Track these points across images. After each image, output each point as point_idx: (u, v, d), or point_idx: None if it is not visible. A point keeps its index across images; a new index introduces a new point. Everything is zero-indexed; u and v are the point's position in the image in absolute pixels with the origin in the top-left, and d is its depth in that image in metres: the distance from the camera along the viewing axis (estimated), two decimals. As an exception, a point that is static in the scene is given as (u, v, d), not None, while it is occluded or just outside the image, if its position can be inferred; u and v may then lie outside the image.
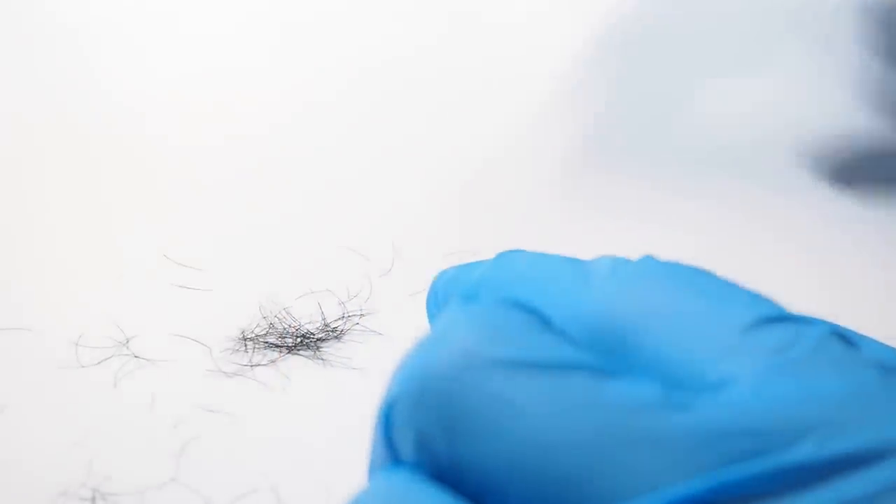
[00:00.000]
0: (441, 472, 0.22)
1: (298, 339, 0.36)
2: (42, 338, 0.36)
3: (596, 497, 0.19)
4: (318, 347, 0.36)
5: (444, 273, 0.32)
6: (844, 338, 0.21)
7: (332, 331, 0.36)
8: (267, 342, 0.36)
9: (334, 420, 0.34)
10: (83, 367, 0.36)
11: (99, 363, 0.36)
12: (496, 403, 0.21)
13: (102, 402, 0.34)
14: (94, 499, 0.32)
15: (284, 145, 0.45)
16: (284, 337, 0.36)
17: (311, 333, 0.36)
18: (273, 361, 0.36)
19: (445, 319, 0.23)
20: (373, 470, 0.25)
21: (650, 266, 0.24)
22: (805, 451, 0.19)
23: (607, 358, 0.22)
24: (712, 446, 0.19)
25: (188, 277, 0.39)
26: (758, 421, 0.19)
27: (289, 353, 0.36)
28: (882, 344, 0.22)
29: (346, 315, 0.37)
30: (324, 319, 0.37)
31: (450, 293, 0.30)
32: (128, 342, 0.36)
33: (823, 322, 0.22)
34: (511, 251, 0.29)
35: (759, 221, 0.40)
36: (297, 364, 0.36)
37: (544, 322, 0.22)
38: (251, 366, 0.36)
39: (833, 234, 0.40)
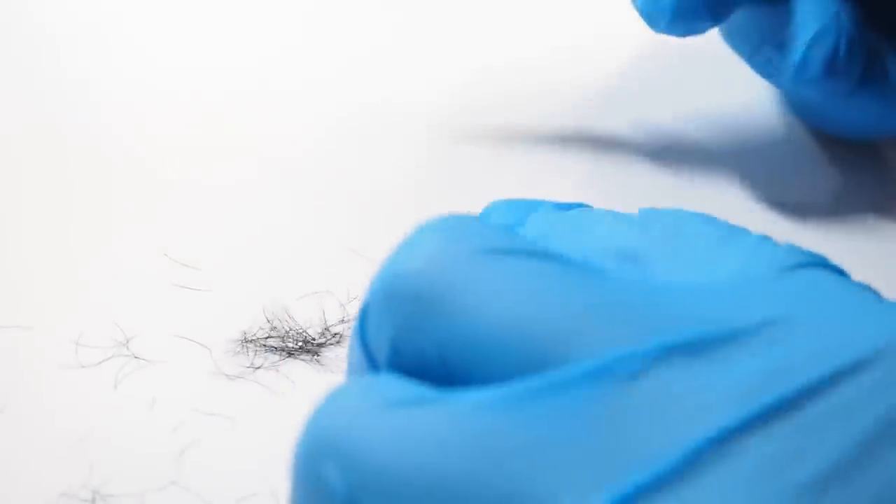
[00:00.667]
0: (417, 368, 0.23)
1: (299, 344, 0.36)
2: (42, 338, 0.36)
3: (567, 359, 0.21)
4: (317, 352, 0.36)
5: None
6: (834, 269, 0.23)
7: (334, 335, 0.36)
8: (267, 345, 0.36)
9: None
10: (83, 367, 0.36)
11: (99, 364, 0.36)
12: (473, 284, 0.22)
13: (102, 404, 0.35)
14: (93, 500, 0.32)
15: (286, 145, 0.44)
16: (286, 340, 0.36)
17: (312, 338, 0.36)
18: (274, 364, 0.36)
19: (413, 231, 0.24)
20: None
21: (646, 212, 0.26)
22: (752, 328, 0.21)
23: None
24: (664, 316, 0.21)
25: (188, 277, 0.39)
26: (719, 302, 0.21)
27: (289, 356, 0.36)
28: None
29: (345, 319, 0.37)
30: (325, 323, 0.37)
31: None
32: (128, 342, 0.36)
33: (817, 254, 0.23)
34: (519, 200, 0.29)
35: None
36: (299, 367, 0.36)
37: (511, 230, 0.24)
38: (252, 368, 0.36)
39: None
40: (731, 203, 0.41)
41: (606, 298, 0.22)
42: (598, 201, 0.41)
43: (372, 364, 0.24)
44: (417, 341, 0.22)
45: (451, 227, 0.24)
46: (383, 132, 0.45)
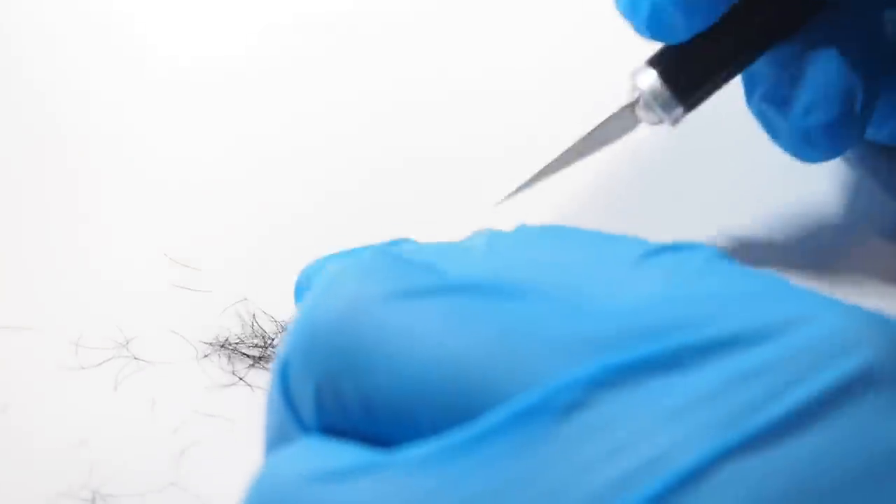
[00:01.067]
0: (345, 425, 0.22)
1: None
2: (42, 339, 0.36)
3: (501, 397, 0.20)
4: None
5: (316, 262, 0.31)
6: (727, 258, 0.23)
7: None
8: (265, 346, 0.36)
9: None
10: (83, 368, 0.36)
11: (99, 365, 0.36)
12: (390, 333, 0.21)
13: (102, 405, 0.35)
14: (93, 500, 0.32)
15: (285, 145, 0.44)
16: (280, 341, 0.36)
17: None
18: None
19: (326, 276, 0.23)
20: (270, 444, 0.24)
21: (526, 231, 0.25)
22: (681, 338, 0.20)
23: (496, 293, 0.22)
24: (601, 340, 0.20)
25: (188, 278, 0.39)
26: (643, 317, 0.21)
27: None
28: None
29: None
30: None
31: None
32: (128, 343, 0.36)
33: (706, 246, 0.23)
34: (394, 240, 0.29)
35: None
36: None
37: (428, 265, 0.23)
38: (252, 367, 0.36)
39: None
40: (732, 206, 0.41)
41: (530, 327, 0.21)
42: (598, 206, 0.41)
43: (298, 422, 0.23)
44: (340, 397, 0.22)
45: (365, 269, 0.22)
46: (384, 132, 0.45)
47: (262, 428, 0.25)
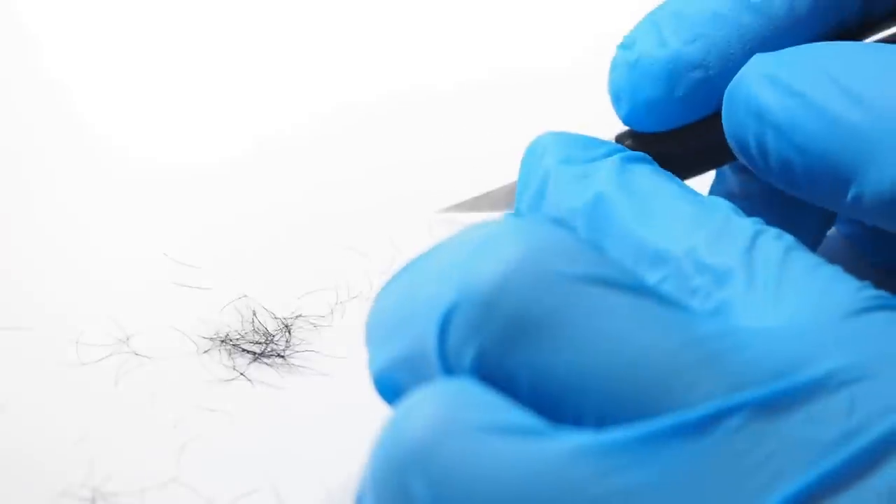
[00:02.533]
0: (502, 384, 0.22)
1: (291, 345, 0.36)
2: (42, 335, 0.36)
3: (671, 405, 0.21)
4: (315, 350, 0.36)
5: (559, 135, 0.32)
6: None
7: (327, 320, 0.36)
8: (266, 343, 0.36)
9: (337, 419, 0.34)
10: (83, 364, 0.35)
11: (99, 361, 0.36)
12: (576, 316, 0.22)
13: (103, 401, 0.34)
14: (94, 499, 0.32)
15: (285, 144, 0.44)
16: (282, 335, 0.36)
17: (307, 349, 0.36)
18: (275, 361, 0.36)
19: (493, 227, 0.23)
20: (384, 371, 0.25)
21: (719, 213, 0.27)
22: (820, 371, 0.21)
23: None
24: (762, 370, 0.21)
25: (187, 275, 0.39)
26: (803, 351, 0.22)
27: (284, 360, 0.36)
28: None
29: (332, 311, 0.37)
30: (332, 315, 0.37)
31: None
32: (128, 340, 0.36)
33: (883, 292, 0.24)
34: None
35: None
36: (300, 363, 0.36)
37: (594, 245, 0.24)
38: (253, 364, 0.36)
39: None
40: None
41: (701, 346, 0.22)
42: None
43: (445, 367, 0.23)
44: (509, 361, 0.22)
45: (544, 239, 0.23)
46: (384, 131, 0.45)
47: (376, 354, 0.25)
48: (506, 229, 0.23)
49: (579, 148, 0.31)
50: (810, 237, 0.35)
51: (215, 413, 0.34)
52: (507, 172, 0.37)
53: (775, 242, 0.26)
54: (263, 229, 0.41)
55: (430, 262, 0.24)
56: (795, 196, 0.30)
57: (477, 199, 0.37)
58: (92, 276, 0.39)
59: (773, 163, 0.30)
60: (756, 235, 0.26)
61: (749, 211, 0.30)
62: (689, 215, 0.27)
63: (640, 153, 0.30)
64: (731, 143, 0.31)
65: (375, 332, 0.26)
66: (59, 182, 0.42)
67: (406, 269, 0.25)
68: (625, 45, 0.33)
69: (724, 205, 0.27)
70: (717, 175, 0.36)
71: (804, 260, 0.25)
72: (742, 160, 0.31)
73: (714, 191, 0.37)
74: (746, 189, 0.35)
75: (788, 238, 0.26)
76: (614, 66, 0.33)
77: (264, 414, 0.34)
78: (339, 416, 0.34)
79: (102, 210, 0.41)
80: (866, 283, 0.24)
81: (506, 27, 0.50)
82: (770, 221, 0.28)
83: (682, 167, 0.34)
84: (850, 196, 0.28)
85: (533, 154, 0.31)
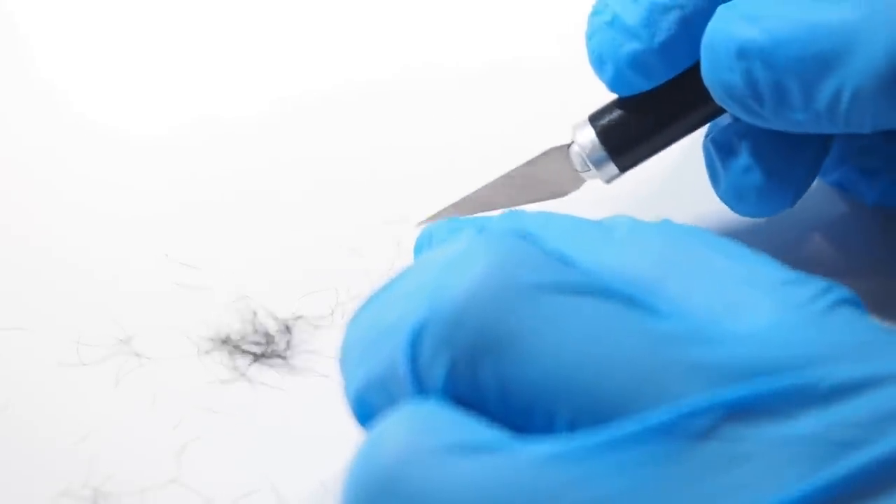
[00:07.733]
0: (472, 399, 0.22)
1: (288, 347, 0.36)
2: (42, 336, 0.36)
3: (637, 409, 0.21)
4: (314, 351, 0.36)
5: (439, 223, 0.32)
6: (858, 303, 0.24)
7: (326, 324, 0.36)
8: (266, 343, 0.36)
9: (336, 419, 0.34)
10: (84, 365, 0.36)
11: (99, 362, 0.36)
12: (542, 325, 0.22)
13: (103, 402, 0.34)
14: (94, 499, 0.32)
15: (285, 145, 0.44)
16: (282, 336, 0.36)
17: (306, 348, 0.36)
18: (275, 362, 0.36)
19: (459, 246, 0.24)
20: (361, 397, 0.25)
21: (669, 227, 0.26)
22: (811, 377, 0.21)
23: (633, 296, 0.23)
24: (733, 371, 0.21)
25: (188, 276, 0.39)
26: (768, 350, 0.22)
27: (285, 361, 0.36)
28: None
29: (333, 311, 0.37)
30: (332, 315, 0.37)
31: (448, 238, 0.31)
32: (129, 340, 0.36)
33: (841, 287, 0.24)
34: (519, 210, 0.29)
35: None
36: (300, 363, 0.36)
37: (561, 257, 0.24)
38: (254, 363, 0.36)
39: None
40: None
41: (670, 347, 0.22)
42: (601, 203, 0.41)
43: (419, 388, 0.23)
44: (480, 374, 0.22)
45: (504, 252, 0.23)
46: (384, 131, 0.45)
47: (350, 379, 0.26)
48: (471, 246, 0.23)
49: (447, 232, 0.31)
50: (806, 171, 0.35)
51: (216, 414, 0.34)
52: (505, 168, 0.37)
53: None
54: (264, 230, 0.41)
55: (398, 286, 0.25)
56: (787, 131, 0.31)
57: (455, 204, 0.37)
58: (93, 276, 0.39)
59: (764, 93, 0.30)
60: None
61: (748, 159, 0.31)
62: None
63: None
64: (717, 93, 0.31)
65: (348, 356, 0.26)
66: (60, 182, 0.42)
67: (375, 295, 0.26)
68: (597, 11, 0.34)
69: (627, 220, 0.27)
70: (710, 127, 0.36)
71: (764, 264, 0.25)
72: (729, 108, 0.32)
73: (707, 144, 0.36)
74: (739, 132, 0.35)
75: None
76: (592, 33, 0.34)
77: (264, 415, 0.34)
78: (339, 417, 0.34)
79: (103, 210, 0.41)
80: (829, 282, 0.24)
81: (501, 17, 0.50)
82: (765, 165, 0.29)
83: (668, 129, 0.34)
84: (848, 93, 0.28)
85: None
